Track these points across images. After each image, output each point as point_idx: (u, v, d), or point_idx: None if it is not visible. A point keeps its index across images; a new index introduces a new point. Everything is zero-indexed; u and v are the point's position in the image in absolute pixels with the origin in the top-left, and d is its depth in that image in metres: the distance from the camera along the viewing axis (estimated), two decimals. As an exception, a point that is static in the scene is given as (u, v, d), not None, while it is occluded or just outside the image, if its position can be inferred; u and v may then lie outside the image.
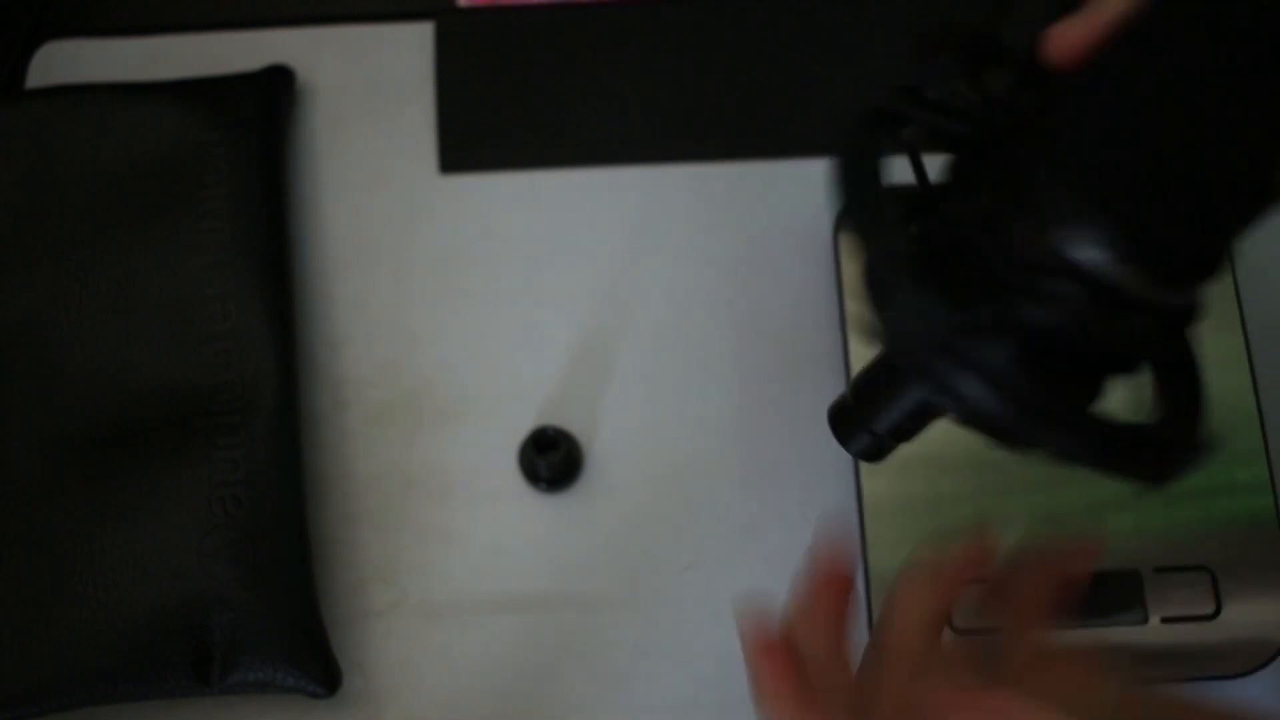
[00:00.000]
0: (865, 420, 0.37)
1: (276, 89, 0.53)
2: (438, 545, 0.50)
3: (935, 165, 0.36)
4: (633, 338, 0.52)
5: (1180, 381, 0.34)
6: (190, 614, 0.45)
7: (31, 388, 0.48)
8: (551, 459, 0.49)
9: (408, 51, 0.56)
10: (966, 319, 0.30)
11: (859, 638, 0.39)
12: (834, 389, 0.51)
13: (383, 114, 0.55)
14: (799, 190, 0.54)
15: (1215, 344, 0.49)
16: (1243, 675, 0.46)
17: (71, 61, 0.56)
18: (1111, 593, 0.45)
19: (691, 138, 0.54)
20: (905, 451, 0.48)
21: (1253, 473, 0.48)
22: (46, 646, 0.45)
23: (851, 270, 0.51)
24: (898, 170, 0.34)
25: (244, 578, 0.46)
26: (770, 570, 0.49)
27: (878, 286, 0.31)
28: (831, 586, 0.39)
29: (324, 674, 0.46)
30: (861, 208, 0.33)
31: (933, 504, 0.48)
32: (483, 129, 0.55)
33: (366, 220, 0.54)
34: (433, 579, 0.49)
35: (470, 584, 0.49)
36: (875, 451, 0.37)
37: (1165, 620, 0.46)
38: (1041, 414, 0.30)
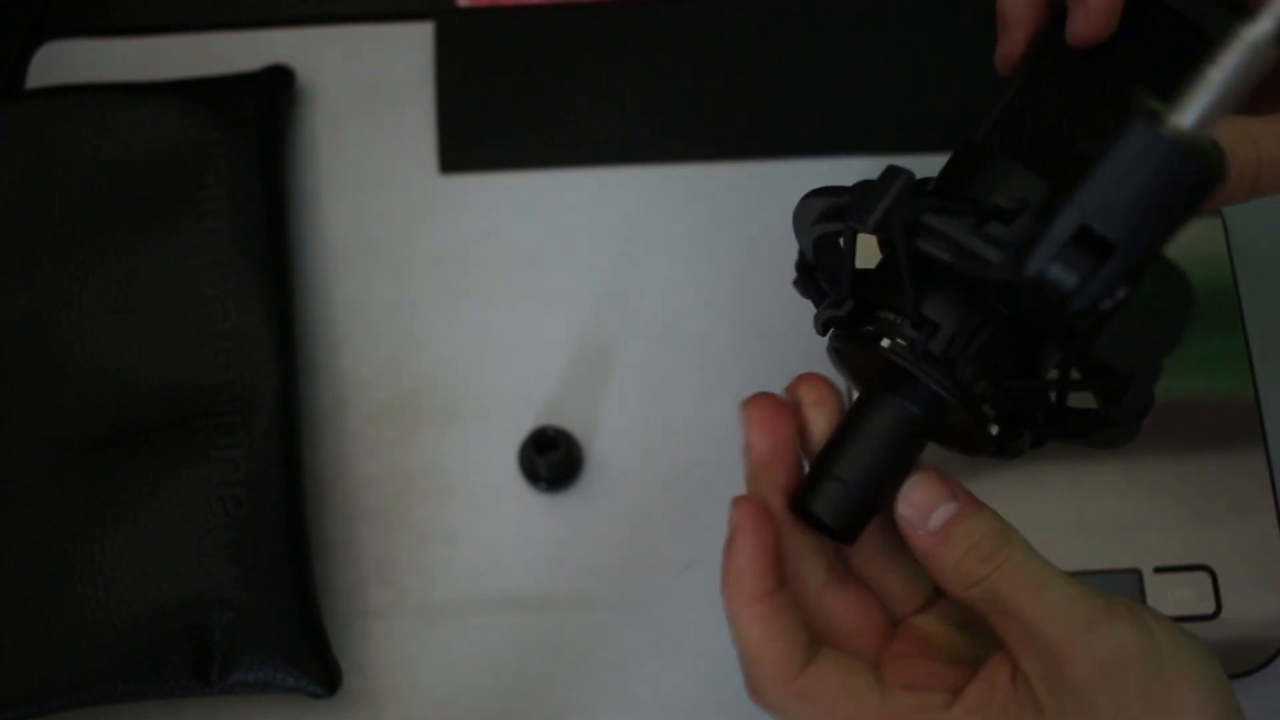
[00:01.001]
0: (829, 468, 0.35)
1: (276, 89, 0.53)
2: (438, 545, 0.50)
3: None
4: (633, 338, 0.52)
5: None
6: (190, 614, 0.45)
7: (31, 388, 0.48)
8: (551, 459, 0.49)
9: (408, 51, 0.56)
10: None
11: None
12: (834, 389, 0.51)
13: (383, 114, 0.55)
14: (799, 190, 0.53)
15: (1215, 344, 0.49)
16: (1243, 675, 0.46)
17: (71, 61, 0.56)
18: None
19: (691, 138, 0.55)
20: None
21: (1253, 471, 0.48)
22: (46, 646, 0.45)
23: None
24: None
25: (244, 578, 0.46)
26: (770, 570, 0.49)
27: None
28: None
29: (324, 674, 0.46)
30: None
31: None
32: (483, 129, 0.55)
33: (366, 220, 0.54)
34: (433, 579, 0.49)
35: (470, 584, 0.49)
36: (845, 504, 0.35)
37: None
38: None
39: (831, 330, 0.37)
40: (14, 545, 0.46)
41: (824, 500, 0.35)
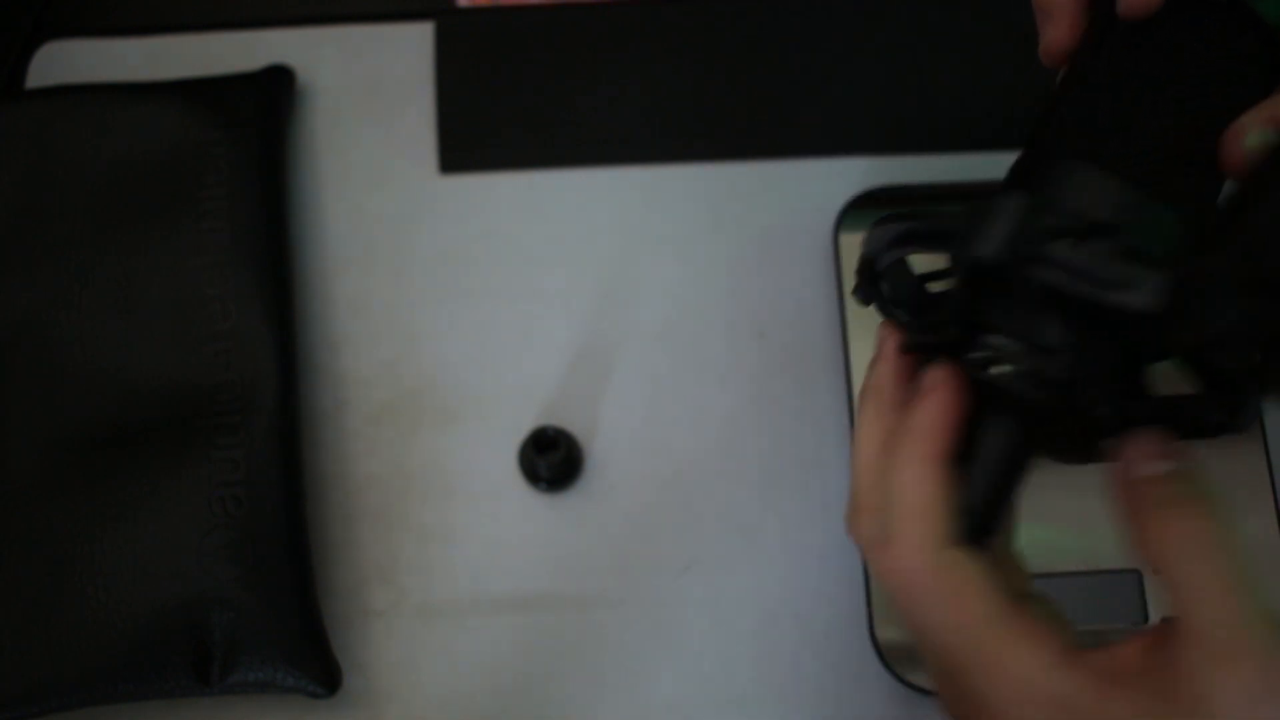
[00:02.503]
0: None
1: (276, 89, 0.53)
2: (438, 545, 0.50)
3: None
4: (633, 338, 0.52)
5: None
6: (190, 614, 0.45)
7: (31, 388, 0.48)
8: (551, 459, 0.49)
9: (408, 51, 0.56)
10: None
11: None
12: (834, 389, 0.51)
13: (383, 114, 0.55)
14: (799, 190, 0.54)
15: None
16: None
17: (71, 61, 0.56)
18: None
19: (691, 138, 0.54)
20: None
21: (1252, 470, 0.48)
22: (46, 646, 0.45)
23: (853, 269, 0.51)
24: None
25: (244, 578, 0.46)
26: (770, 570, 0.49)
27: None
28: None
29: (324, 674, 0.46)
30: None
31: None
32: (483, 129, 0.55)
33: (366, 220, 0.54)
34: (433, 579, 0.49)
35: (470, 584, 0.49)
36: (968, 532, 0.34)
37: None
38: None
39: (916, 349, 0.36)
40: (14, 545, 0.46)
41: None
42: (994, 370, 0.34)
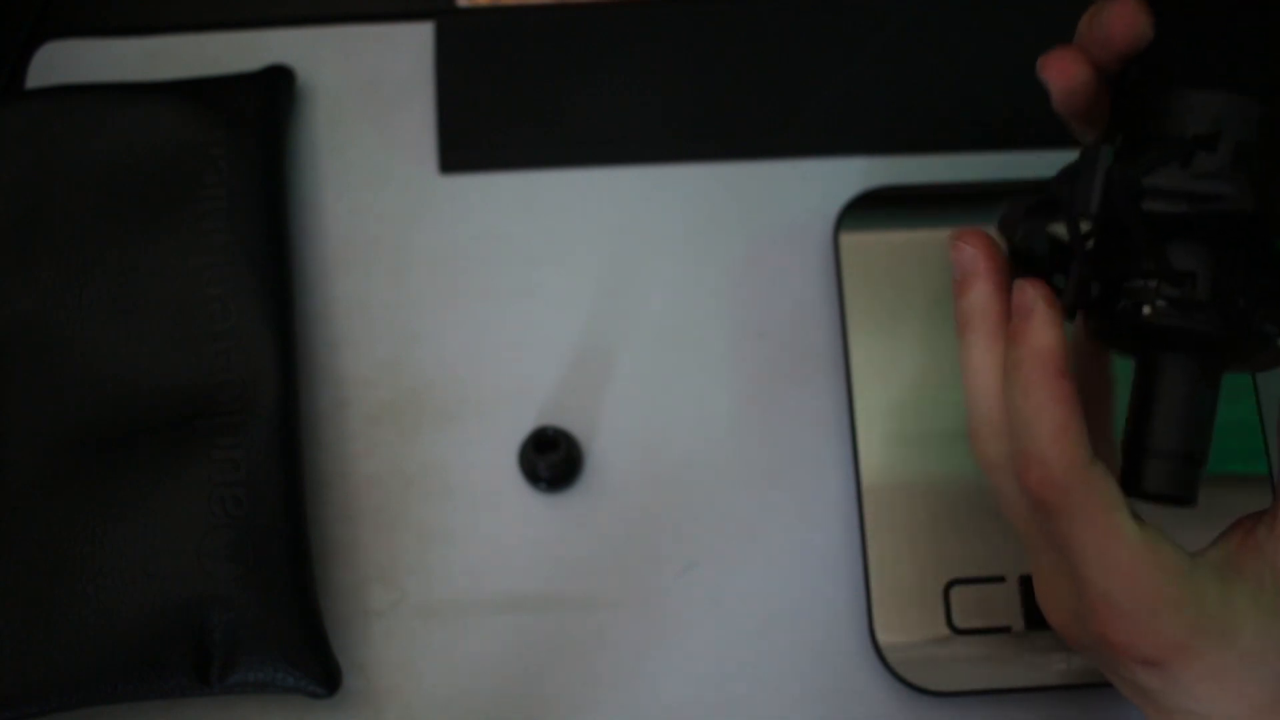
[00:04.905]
0: (1146, 445, 0.35)
1: (276, 89, 0.53)
2: (438, 545, 0.50)
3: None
4: (633, 338, 0.52)
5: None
6: (190, 614, 0.45)
7: (31, 388, 0.48)
8: (551, 459, 0.49)
9: (408, 51, 0.56)
10: None
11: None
12: (834, 389, 0.51)
13: (383, 114, 0.55)
14: (799, 190, 0.54)
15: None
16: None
17: (71, 61, 0.56)
18: None
19: (691, 138, 0.55)
20: (907, 460, 0.49)
21: (1251, 471, 0.48)
22: (46, 646, 0.45)
23: (853, 269, 0.51)
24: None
25: (244, 578, 0.46)
26: (770, 570, 0.49)
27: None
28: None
29: (324, 674, 0.46)
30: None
31: (933, 503, 0.48)
32: (483, 129, 0.55)
33: (366, 220, 0.54)
34: (433, 579, 0.49)
35: (470, 584, 0.49)
36: (1180, 475, 0.35)
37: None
38: None
39: (1084, 315, 0.37)
40: (14, 545, 0.46)
41: (1157, 478, 0.35)
42: (1146, 311, 0.34)
